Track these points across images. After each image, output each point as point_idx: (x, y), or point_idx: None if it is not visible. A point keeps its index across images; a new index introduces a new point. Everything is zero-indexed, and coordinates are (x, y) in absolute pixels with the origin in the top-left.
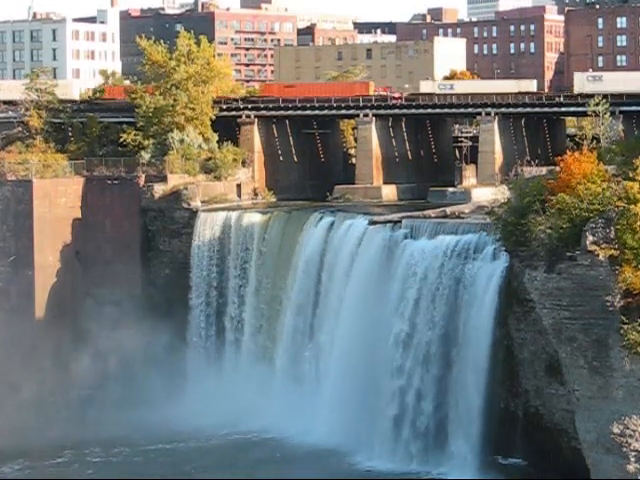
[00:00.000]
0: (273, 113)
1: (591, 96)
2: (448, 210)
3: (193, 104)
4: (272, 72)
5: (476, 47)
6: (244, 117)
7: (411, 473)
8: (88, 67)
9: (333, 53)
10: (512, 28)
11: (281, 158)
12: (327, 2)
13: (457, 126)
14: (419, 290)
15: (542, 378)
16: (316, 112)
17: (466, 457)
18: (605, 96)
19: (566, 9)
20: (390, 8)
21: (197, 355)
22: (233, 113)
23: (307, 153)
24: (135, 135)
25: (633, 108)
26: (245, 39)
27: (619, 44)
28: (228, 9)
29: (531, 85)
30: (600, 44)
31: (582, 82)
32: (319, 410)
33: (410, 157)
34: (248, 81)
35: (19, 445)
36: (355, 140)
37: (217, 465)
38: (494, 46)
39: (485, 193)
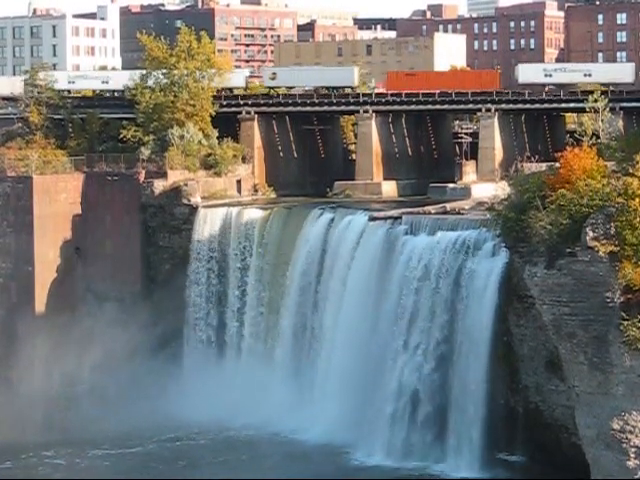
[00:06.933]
0: (273, 109)
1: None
2: (448, 206)
3: (193, 100)
4: None
5: (476, 43)
6: (244, 113)
7: (411, 469)
8: (88, 63)
9: (333, 49)
10: (512, 24)
11: (281, 154)
12: None
13: (457, 122)
14: (419, 286)
15: (542, 374)
16: (316, 108)
17: (466, 453)
18: (604, 92)
19: (566, 5)
20: (390, 4)
21: (196, 350)
22: (233, 109)
23: (307, 149)
24: (135, 131)
25: (633, 104)
26: (245, 35)
27: (619, 40)
28: (228, 5)
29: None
30: (600, 40)
31: None
32: (319, 406)
33: (410, 153)
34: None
35: (21, 441)
36: (355, 136)
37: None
38: (494, 42)
39: (485, 189)
